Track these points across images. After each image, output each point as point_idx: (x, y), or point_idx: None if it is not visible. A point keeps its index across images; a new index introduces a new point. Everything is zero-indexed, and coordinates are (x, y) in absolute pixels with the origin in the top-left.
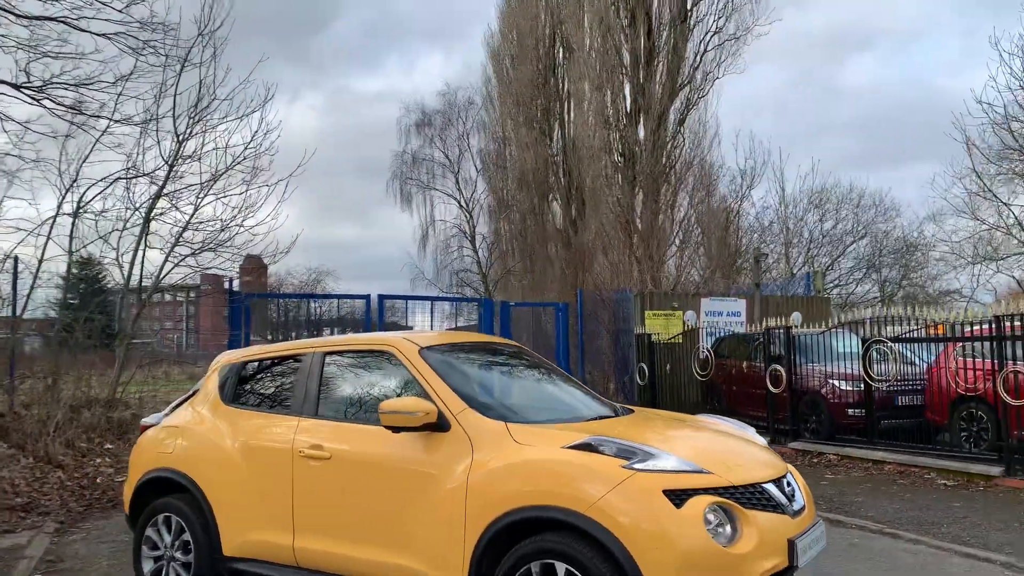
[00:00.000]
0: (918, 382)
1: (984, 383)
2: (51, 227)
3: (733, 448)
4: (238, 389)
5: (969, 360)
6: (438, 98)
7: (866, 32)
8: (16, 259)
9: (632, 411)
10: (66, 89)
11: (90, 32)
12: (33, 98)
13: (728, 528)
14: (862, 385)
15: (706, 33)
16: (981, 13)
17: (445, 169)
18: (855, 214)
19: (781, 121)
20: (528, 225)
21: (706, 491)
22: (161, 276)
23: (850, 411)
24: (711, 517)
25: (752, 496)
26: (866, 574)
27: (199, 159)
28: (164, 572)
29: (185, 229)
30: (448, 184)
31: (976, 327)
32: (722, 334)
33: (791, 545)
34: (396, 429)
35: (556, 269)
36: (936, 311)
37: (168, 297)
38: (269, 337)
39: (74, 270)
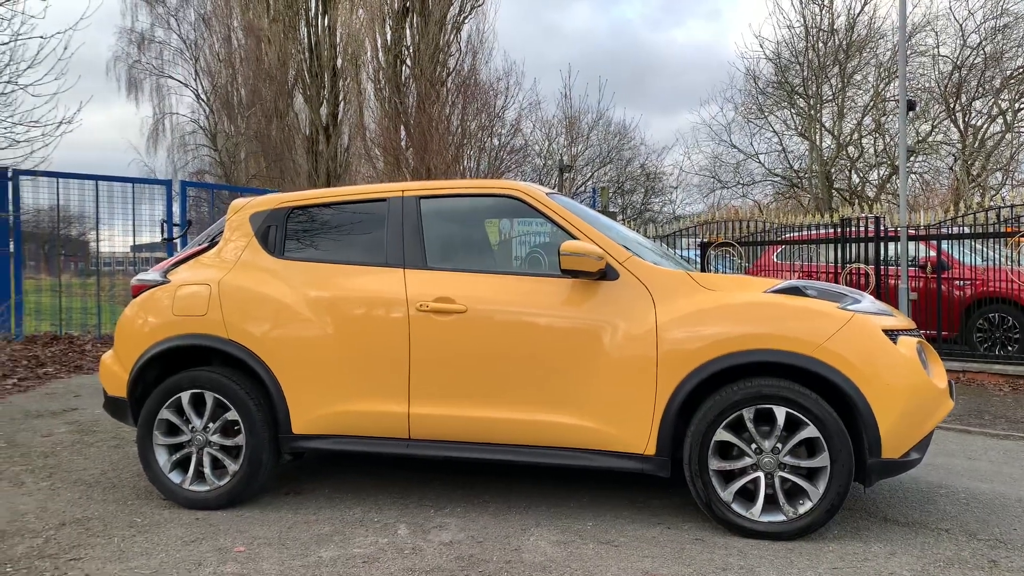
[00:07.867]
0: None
1: None
2: None
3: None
4: (291, 239)
5: None
6: None
7: None
8: None
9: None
10: None
11: None
12: None
13: (927, 367)
14: None
15: None
16: None
17: (178, 55)
18: (605, 140)
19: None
20: (273, 127)
21: (903, 332)
22: None
23: None
24: (922, 356)
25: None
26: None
27: None
28: (193, 461)
29: None
30: (184, 72)
31: None
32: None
33: (951, 385)
34: (575, 274)
35: (303, 176)
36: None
37: None
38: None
39: None
